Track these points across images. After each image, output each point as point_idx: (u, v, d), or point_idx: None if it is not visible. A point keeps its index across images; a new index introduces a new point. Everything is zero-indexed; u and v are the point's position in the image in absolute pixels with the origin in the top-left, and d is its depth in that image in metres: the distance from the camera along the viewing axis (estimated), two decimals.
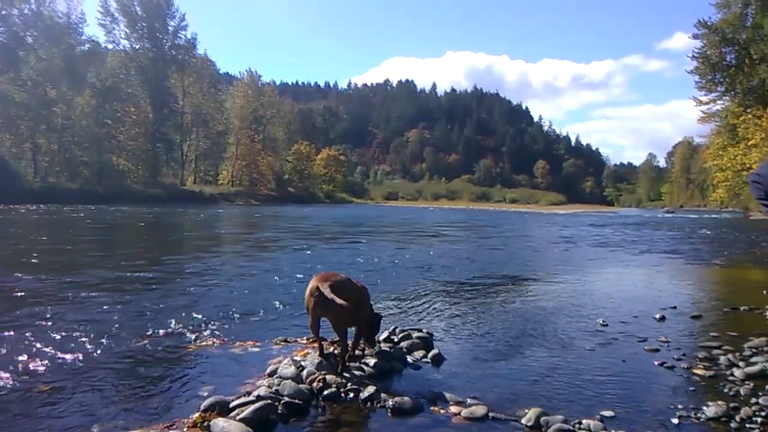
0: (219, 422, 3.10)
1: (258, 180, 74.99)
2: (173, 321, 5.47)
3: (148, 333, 5.06)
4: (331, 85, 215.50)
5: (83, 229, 18.74)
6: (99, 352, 4.48)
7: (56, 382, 3.81)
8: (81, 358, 4.32)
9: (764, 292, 8.02)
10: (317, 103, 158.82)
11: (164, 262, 10.38)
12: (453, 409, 3.45)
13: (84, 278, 7.98)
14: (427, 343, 4.81)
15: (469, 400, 3.57)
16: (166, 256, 11.45)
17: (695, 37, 56.24)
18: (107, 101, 54.78)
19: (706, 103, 58.28)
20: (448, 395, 3.65)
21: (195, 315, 5.77)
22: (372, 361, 4.20)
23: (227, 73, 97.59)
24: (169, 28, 65.02)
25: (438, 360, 4.47)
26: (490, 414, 3.35)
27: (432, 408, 3.49)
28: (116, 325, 5.29)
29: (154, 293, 7.12)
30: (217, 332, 5.19)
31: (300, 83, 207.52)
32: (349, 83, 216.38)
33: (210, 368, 4.21)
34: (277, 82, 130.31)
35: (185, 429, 3.10)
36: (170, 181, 64.81)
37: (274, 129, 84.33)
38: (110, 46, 62.22)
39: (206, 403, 3.34)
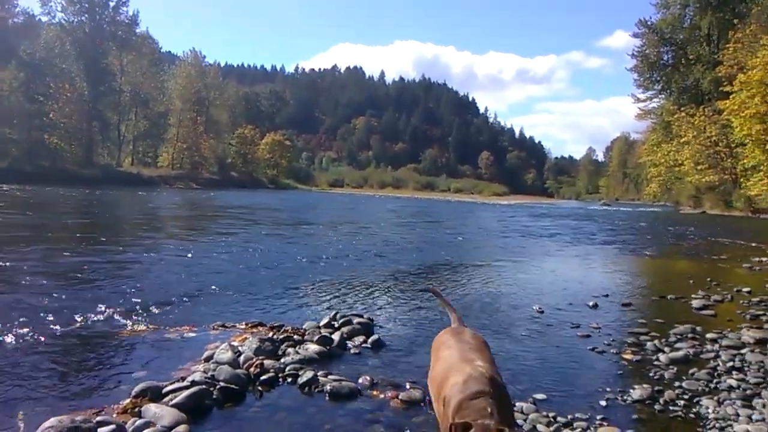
0: (151, 408, 3.02)
1: (200, 163, 73.04)
2: (105, 306, 5.28)
3: (79, 318, 4.87)
4: (278, 68, 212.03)
5: (10, 210, 17.84)
6: (27, 337, 4.28)
7: None
8: (7, 342, 4.13)
9: (690, 281, 8.42)
10: (263, 86, 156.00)
11: (97, 246, 10.00)
12: (391, 393, 3.47)
13: (11, 262, 7.59)
14: (367, 328, 4.83)
15: (407, 385, 3.61)
16: (98, 240, 11.04)
17: (635, 35, 58.36)
18: (39, 76, 52.06)
19: (643, 101, 60.71)
20: (386, 379, 3.68)
21: (129, 300, 5.59)
22: (312, 347, 4.18)
23: (169, 52, 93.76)
24: (110, 2, 62.26)
25: (378, 345, 4.50)
26: (427, 398, 3.38)
27: (370, 392, 3.50)
28: (45, 310, 5.06)
29: (85, 278, 6.86)
30: (151, 317, 5.05)
31: (245, 66, 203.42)
32: (297, 68, 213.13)
33: (143, 354, 4.09)
34: (222, 64, 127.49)
35: (115, 415, 3.01)
36: (106, 161, 62.40)
37: (218, 111, 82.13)
38: (45, 19, 59.17)
39: (138, 388, 3.26)
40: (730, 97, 38.21)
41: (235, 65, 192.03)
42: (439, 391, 2.39)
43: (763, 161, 35.95)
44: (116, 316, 5.01)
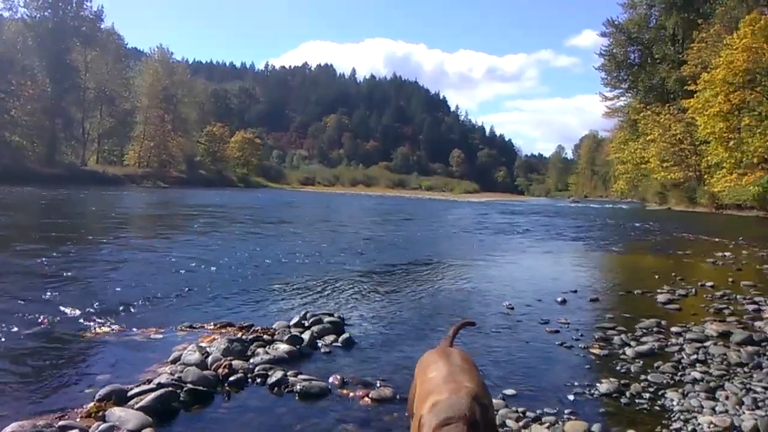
0: (115, 411, 2.95)
1: (167, 162, 71.87)
2: (69, 308, 5.14)
3: (42, 320, 4.74)
4: (248, 66, 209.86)
5: None
6: None
7: None
8: None
9: (656, 276, 8.58)
10: (232, 84, 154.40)
11: (60, 247, 9.74)
12: (361, 391, 3.46)
13: None
14: (338, 327, 4.81)
15: (378, 383, 3.60)
16: (61, 241, 10.76)
17: (603, 35, 59.44)
18: (0, 73, 50.57)
19: (611, 99, 61.87)
20: (357, 378, 3.67)
21: (94, 301, 5.45)
22: (281, 346, 4.14)
23: (136, 48, 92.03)
24: None
25: (349, 344, 4.48)
26: (398, 395, 3.39)
27: (341, 391, 3.49)
28: (7, 312, 4.90)
29: (49, 279, 6.67)
30: (117, 319, 4.94)
31: (214, 62, 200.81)
32: (267, 65, 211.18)
33: (108, 356, 4.00)
34: (190, 61, 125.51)
35: (78, 419, 2.94)
36: (70, 160, 60.93)
37: (186, 109, 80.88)
38: (7, 15, 57.51)
39: (102, 392, 3.18)
40: (695, 95, 39.12)
41: (204, 62, 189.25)
42: (418, 411, 2.25)
43: (725, 158, 36.90)
44: (81, 318, 4.89)
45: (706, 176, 41.87)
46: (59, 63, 58.20)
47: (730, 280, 8.26)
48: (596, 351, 4.50)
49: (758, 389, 3.62)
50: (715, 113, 35.85)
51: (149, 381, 3.37)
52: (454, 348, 2.77)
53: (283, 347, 4.12)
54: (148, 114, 70.40)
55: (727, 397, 3.48)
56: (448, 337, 2.88)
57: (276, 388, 3.47)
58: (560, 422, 3.12)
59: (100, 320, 4.85)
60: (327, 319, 4.91)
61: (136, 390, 3.20)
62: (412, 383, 2.60)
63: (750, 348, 4.52)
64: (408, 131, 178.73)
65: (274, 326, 4.76)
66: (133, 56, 78.63)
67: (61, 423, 2.83)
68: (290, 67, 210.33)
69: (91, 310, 5.16)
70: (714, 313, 6.00)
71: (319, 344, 4.41)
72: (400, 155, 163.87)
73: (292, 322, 4.83)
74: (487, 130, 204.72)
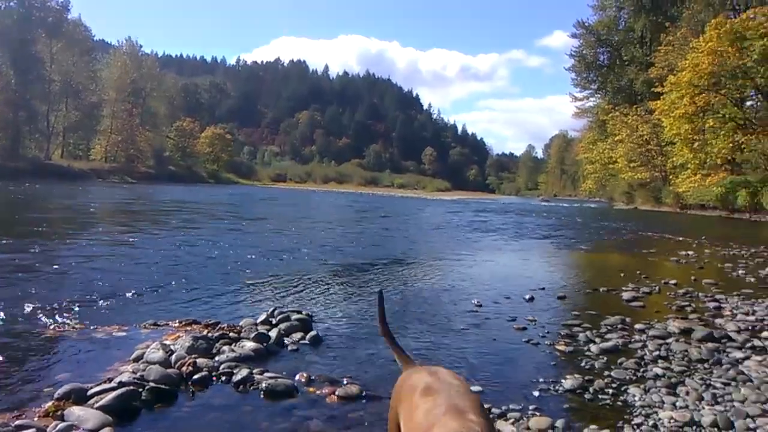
0: (74, 411, 2.88)
1: (135, 156, 70.54)
2: (30, 304, 5.01)
3: (0, 316, 4.60)
4: (218, 60, 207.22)
5: None
6: None
7: None
8: None
9: (621, 274, 8.73)
10: (203, 78, 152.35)
11: (24, 242, 9.48)
12: (328, 389, 3.44)
13: None
14: (305, 324, 4.77)
15: (345, 380, 3.58)
16: (26, 236, 10.49)
17: (573, 36, 60.44)
18: None
19: (581, 100, 62.94)
20: (323, 376, 3.65)
21: (54, 298, 5.32)
22: (248, 344, 4.09)
23: (103, 40, 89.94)
24: None
25: (316, 341, 4.45)
26: (365, 393, 3.38)
27: (307, 389, 3.46)
28: None
29: (10, 274, 6.49)
30: (79, 316, 4.82)
31: (185, 56, 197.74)
32: (238, 60, 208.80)
33: (68, 355, 3.91)
34: (160, 54, 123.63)
35: (36, 418, 2.87)
36: (34, 154, 59.37)
37: (155, 103, 79.51)
38: None
39: (61, 390, 3.11)
40: (661, 97, 39.93)
41: (174, 56, 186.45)
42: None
43: (690, 159, 37.77)
44: (42, 314, 4.77)
45: (671, 177, 42.82)
46: (24, 54, 56.65)
47: (692, 278, 8.44)
48: (562, 348, 4.55)
49: (718, 385, 3.70)
50: (681, 115, 36.66)
51: (110, 380, 3.30)
52: (438, 367, 2.23)
53: (249, 345, 4.08)
54: (115, 107, 68.98)
55: (687, 393, 3.55)
56: (400, 353, 2.41)
57: (241, 386, 3.43)
58: (525, 418, 3.14)
59: (61, 317, 4.74)
60: (295, 316, 4.88)
61: (96, 389, 3.14)
62: (391, 410, 2.15)
63: (710, 344, 4.62)
64: (381, 128, 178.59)
65: (240, 324, 4.70)
66: (100, 48, 76.95)
67: (17, 422, 2.76)
68: (262, 62, 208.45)
69: (53, 306, 5.04)
70: (676, 311, 6.12)
71: (287, 342, 4.37)
72: (372, 153, 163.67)
73: (259, 320, 4.78)
74: (459, 129, 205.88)
